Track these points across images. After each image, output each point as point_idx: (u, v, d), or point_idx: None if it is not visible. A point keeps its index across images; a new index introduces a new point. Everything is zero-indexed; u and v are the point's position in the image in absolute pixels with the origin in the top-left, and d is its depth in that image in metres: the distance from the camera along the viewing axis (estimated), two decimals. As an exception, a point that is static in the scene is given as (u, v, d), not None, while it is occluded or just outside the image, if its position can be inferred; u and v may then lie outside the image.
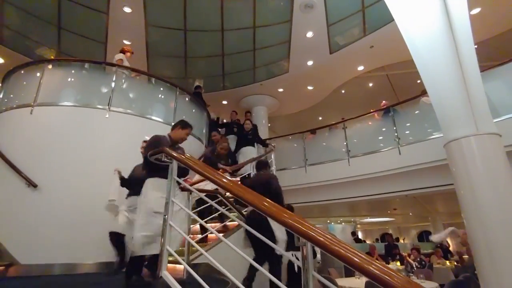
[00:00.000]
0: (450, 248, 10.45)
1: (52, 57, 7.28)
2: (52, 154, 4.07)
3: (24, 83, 4.92)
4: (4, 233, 3.69)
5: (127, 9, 6.45)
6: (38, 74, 4.73)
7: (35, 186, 3.79)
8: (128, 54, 5.56)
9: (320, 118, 12.55)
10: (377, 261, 1.15)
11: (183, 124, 2.75)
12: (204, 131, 6.27)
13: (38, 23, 6.62)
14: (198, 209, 3.88)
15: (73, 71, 5.08)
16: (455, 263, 7.54)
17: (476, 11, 6.01)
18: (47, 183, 3.87)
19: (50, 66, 4.97)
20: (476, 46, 3.83)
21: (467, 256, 5.99)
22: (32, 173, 3.86)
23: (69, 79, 5.06)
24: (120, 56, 5.36)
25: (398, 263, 7.75)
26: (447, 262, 7.72)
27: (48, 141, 4.16)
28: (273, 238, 2.77)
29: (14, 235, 3.67)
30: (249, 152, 6.26)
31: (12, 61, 6.85)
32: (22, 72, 5.00)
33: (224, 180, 1.79)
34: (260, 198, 1.59)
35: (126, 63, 5.34)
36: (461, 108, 3.36)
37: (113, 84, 4.76)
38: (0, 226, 3.76)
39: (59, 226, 3.71)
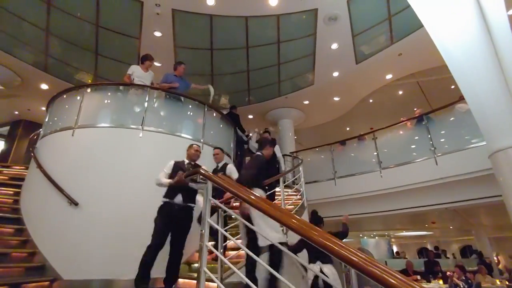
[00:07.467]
0: (500, 266, 9.55)
1: (90, 81, 7.83)
2: (92, 173, 4.27)
3: (66, 106, 5.25)
4: (48, 249, 3.91)
5: (158, 34, 6.83)
6: (78, 98, 5.04)
7: (76, 204, 3.97)
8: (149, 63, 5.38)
9: (348, 129, 12.28)
10: (415, 283, 1.06)
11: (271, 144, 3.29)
12: (232, 146, 6.33)
13: (78, 50, 7.19)
14: (229, 226, 3.88)
15: (109, 94, 5.37)
16: (507, 282, 6.86)
17: (513, 11, 5.67)
18: (87, 201, 4.04)
19: (89, 90, 5.27)
20: (517, 48, 3.59)
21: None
22: (74, 191, 4.06)
23: (105, 101, 5.35)
24: (130, 70, 5.23)
25: (441, 282, 7.17)
26: (497, 281, 7.03)
27: (87, 161, 4.38)
28: None
29: (57, 251, 3.85)
30: None
31: (55, 87, 7.47)
32: (65, 96, 5.34)
33: (252, 197, 1.80)
34: (289, 215, 1.57)
35: (138, 70, 5.22)
36: (506, 116, 3.13)
37: (146, 104, 4.96)
38: (44, 242, 3.99)
39: (98, 242, 3.84)
